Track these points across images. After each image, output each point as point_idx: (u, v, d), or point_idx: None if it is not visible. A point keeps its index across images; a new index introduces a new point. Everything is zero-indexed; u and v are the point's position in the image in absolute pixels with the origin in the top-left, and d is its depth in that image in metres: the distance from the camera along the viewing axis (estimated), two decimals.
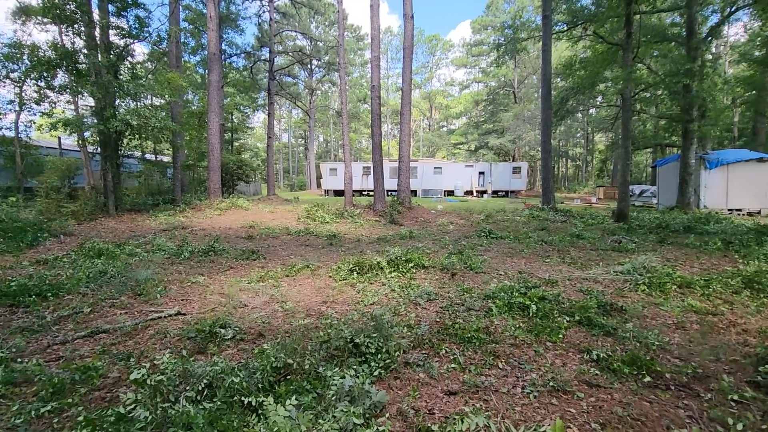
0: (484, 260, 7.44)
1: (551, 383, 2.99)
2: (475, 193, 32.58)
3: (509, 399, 2.82)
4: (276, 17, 29.96)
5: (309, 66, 45.13)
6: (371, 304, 4.90)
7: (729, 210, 18.17)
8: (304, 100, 47.23)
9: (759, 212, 18.09)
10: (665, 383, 3.03)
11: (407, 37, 16.93)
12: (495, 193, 33.06)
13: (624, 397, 2.83)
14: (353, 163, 27.95)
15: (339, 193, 31.02)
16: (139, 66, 17.25)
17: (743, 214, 17.75)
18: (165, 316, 4.43)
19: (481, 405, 2.73)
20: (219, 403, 2.49)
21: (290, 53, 38.09)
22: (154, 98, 18.09)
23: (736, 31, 37.79)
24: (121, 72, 14.87)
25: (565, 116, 24.59)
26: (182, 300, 5.15)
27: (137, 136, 15.57)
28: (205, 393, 2.63)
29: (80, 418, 2.32)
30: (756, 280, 5.37)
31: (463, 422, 2.27)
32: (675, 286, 5.50)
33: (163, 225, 12.72)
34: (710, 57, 23.41)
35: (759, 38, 24.53)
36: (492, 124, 46.77)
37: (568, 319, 4.27)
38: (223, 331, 3.86)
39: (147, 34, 15.54)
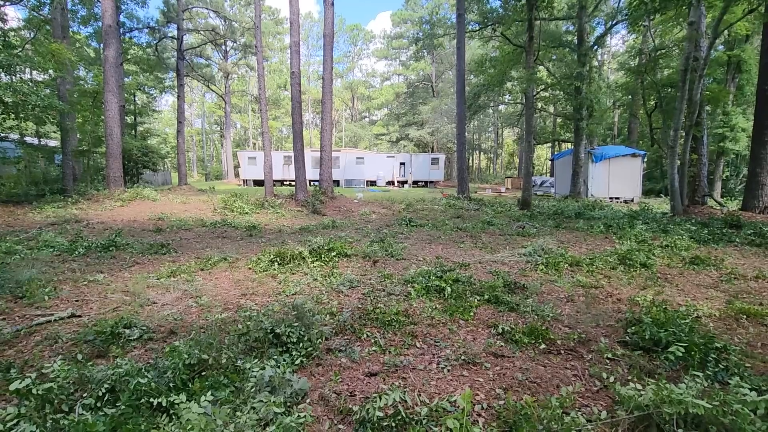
0: (405, 247, 7.72)
1: (463, 357, 3.25)
2: (396, 184, 33.42)
3: (425, 375, 3.02)
4: None
5: (223, 47, 42.11)
6: (293, 295, 4.85)
7: (610, 198, 21.01)
8: (218, 83, 44.05)
9: (632, 200, 21.18)
10: (557, 349, 3.46)
11: (328, 24, 16.64)
12: (415, 183, 34.23)
13: (524, 364, 3.18)
14: (274, 152, 26.88)
15: (259, 182, 29.70)
16: (13, 33, 14.69)
17: (621, 202, 20.64)
18: (56, 320, 3.93)
19: (399, 383, 2.88)
20: (123, 407, 2.30)
21: (201, 32, 35.14)
22: (35, 73, 15.56)
23: (616, 42, 43.37)
24: None
25: (477, 111, 26.21)
26: (77, 301, 4.60)
27: (13, 115, 13.31)
28: (106, 398, 2.41)
29: None
30: (628, 257, 6.32)
31: (381, 399, 2.38)
32: (567, 265, 6.26)
33: (52, 218, 11.12)
34: (596, 64, 26.55)
35: (633, 50, 28.43)
36: (412, 116, 48.17)
37: (478, 298, 4.64)
38: (127, 331, 3.54)
39: None
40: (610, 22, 20.60)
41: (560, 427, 2.16)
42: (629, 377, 2.91)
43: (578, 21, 19.48)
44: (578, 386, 2.74)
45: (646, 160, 23.83)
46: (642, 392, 2.34)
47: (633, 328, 3.61)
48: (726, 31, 15.44)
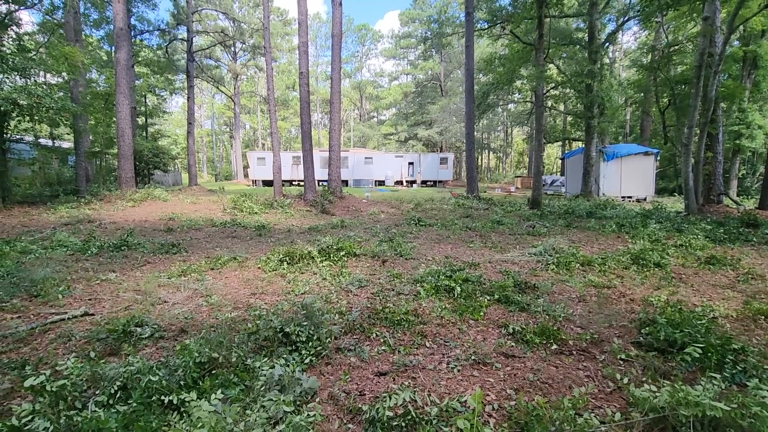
0: (414, 247, 7.70)
1: (473, 357, 3.22)
2: (405, 183, 33.38)
3: (435, 374, 2.99)
4: None
5: (233, 49, 42.49)
6: (302, 294, 4.85)
7: (622, 197, 20.69)
8: (228, 85, 44.42)
9: (645, 198, 20.85)
10: (569, 349, 3.41)
11: (336, 24, 16.67)
12: (424, 182, 34.14)
13: (535, 364, 3.14)
14: (282, 153, 27.10)
15: (268, 183, 29.88)
16: (27, 37, 14.99)
17: (633, 201, 20.33)
18: (69, 318, 3.99)
19: (409, 382, 2.86)
20: (135, 404, 2.32)
21: (211, 34, 35.48)
22: (48, 75, 15.85)
23: (627, 39, 42.68)
24: (4, 43, 12.82)
25: (486, 110, 26.01)
26: (90, 299, 4.66)
27: (28, 117, 13.59)
28: (118, 396, 2.44)
29: None
30: (641, 257, 6.22)
31: (390, 399, 2.36)
32: (578, 265, 6.18)
33: (65, 218, 11.32)
34: (608, 61, 26.23)
35: (645, 46, 28.00)
36: (420, 116, 48.02)
37: (488, 298, 4.60)
38: (139, 329, 3.58)
39: (36, 1, 13.54)
40: (622, 19, 20.29)
41: (573, 428, 2.13)
42: (643, 379, 2.85)
43: (589, 18, 19.22)
44: (591, 387, 2.70)
45: (659, 158, 23.41)
46: (657, 394, 2.29)
47: (647, 328, 3.55)
48: (741, 26, 15.09)
